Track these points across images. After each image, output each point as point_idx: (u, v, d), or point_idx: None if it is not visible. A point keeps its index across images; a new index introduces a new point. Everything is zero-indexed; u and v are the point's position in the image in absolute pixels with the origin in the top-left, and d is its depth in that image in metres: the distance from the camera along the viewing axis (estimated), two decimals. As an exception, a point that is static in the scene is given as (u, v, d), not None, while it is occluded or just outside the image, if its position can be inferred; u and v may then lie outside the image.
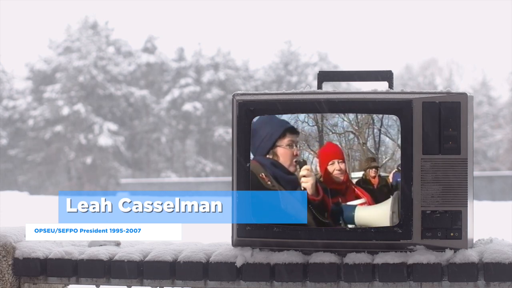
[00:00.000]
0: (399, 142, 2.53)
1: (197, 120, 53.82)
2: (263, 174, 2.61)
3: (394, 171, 2.55)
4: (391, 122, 2.54)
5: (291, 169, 2.60)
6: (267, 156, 2.62)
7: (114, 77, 53.60)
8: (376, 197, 2.55)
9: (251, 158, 2.61)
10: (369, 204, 2.56)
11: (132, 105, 53.74)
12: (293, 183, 2.60)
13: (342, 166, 2.59)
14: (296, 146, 2.60)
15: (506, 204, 23.90)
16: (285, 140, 2.61)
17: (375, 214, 2.52)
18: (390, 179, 2.56)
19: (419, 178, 2.49)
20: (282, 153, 2.61)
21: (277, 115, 2.60)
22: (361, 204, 2.55)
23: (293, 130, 2.60)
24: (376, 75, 2.68)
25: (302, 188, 2.60)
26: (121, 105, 53.54)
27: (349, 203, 2.57)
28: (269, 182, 2.61)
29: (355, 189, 2.57)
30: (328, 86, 2.91)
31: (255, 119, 2.61)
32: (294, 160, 2.60)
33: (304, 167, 2.60)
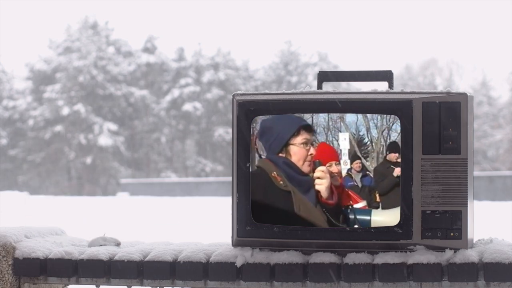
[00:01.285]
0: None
1: (197, 120, 53.85)
2: (275, 173, 2.53)
3: (344, 175, 2.54)
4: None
5: (305, 169, 2.52)
6: (280, 154, 2.55)
7: (114, 77, 53.62)
8: (367, 200, 2.54)
9: (263, 157, 2.56)
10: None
11: (132, 105, 53.77)
12: (306, 185, 2.52)
13: (339, 168, 2.54)
14: (312, 145, 2.53)
15: (506, 204, 23.92)
16: (299, 138, 2.53)
17: (390, 218, 2.51)
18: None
19: (419, 178, 2.49)
20: (296, 152, 2.53)
21: (290, 114, 2.54)
22: (363, 207, 2.54)
23: (308, 128, 2.53)
24: (376, 75, 2.68)
25: (316, 191, 2.52)
26: (121, 105, 53.56)
27: (355, 206, 2.54)
28: (281, 182, 2.53)
29: (348, 191, 2.55)
30: (328, 86, 2.91)
31: (268, 117, 2.56)
32: (308, 160, 2.53)
33: (319, 168, 2.51)
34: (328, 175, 2.51)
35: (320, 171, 2.52)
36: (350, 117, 2.53)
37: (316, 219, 2.53)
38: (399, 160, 2.50)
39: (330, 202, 2.52)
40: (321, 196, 2.52)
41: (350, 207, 2.53)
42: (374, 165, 2.53)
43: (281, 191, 2.55)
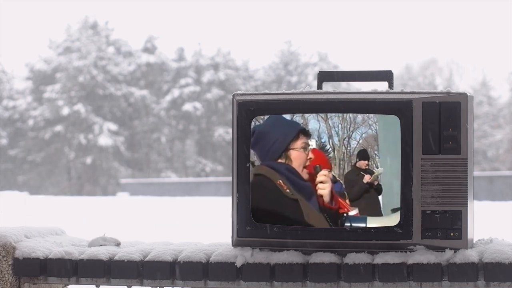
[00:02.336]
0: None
1: (197, 120, 53.86)
2: (280, 181, 2.49)
3: None
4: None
5: (304, 175, 2.50)
6: (279, 160, 2.51)
7: (114, 77, 53.63)
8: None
9: (258, 163, 2.52)
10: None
11: (132, 105, 53.78)
12: (308, 190, 2.49)
13: (331, 175, 2.52)
14: (308, 149, 2.50)
15: (506, 204, 23.94)
16: (299, 142, 2.49)
17: (386, 225, 2.51)
18: None
19: (419, 178, 2.49)
20: (296, 157, 2.49)
21: (285, 117, 2.52)
22: (356, 214, 2.53)
23: (305, 132, 2.50)
24: (376, 75, 2.68)
25: (319, 195, 2.49)
26: (121, 105, 53.58)
27: (349, 213, 2.53)
28: (287, 190, 2.49)
29: (338, 198, 2.53)
30: (328, 86, 2.90)
31: (261, 121, 2.53)
32: (307, 164, 2.50)
33: (322, 172, 2.48)
34: (330, 180, 2.50)
35: (323, 175, 2.49)
36: (312, 124, 2.53)
37: (322, 226, 2.51)
38: (368, 167, 2.52)
39: (332, 207, 2.50)
40: (323, 201, 2.50)
41: (345, 214, 2.52)
42: (337, 172, 2.53)
43: (289, 200, 2.51)
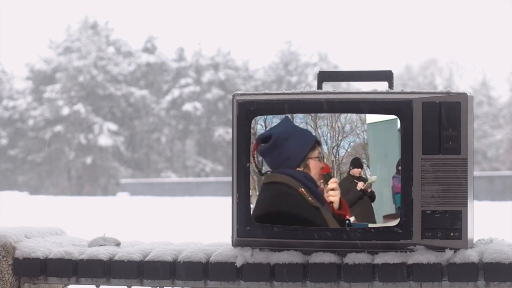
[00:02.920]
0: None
1: (197, 120, 53.85)
2: (303, 189, 2.53)
3: None
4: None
5: (318, 183, 2.54)
6: (298, 169, 2.54)
7: (114, 77, 53.63)
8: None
9: (268, 171, 2.54)
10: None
11: (132, 105, 53.78)
12: (321, 197, 2.53)
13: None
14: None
15: (506, 204, 23.94)
16: (316, 152, 2.53)
17: None
18: None
19: (419, 178, 2.49)
20: (314, 166, 2.53)
21: (301, 127, 2.54)
22: (354, 221, 2.55)
23: (319, 142, 2.54)
24: (376, 75, 2.68)
25: (329, 202, 2.53)
26: (121, 105, 53.57)
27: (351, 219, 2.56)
28: (310, 198, 2.53)
29: (345, 205, 2.56)
30: (328, 86, 2.90)
31: (277, 130, 2.55)
32: (320, 173, 2.53)
33: (332, 179, 2.53)
34: (339, 187, 2.53)
35: (333, 182, 2.53)
36: None
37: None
38: (362, 175, 2.54)
39: (342, 213, 2.54)
40: (333, 208, 2.53)
41: (347, 221, 2.54)
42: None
43: (312, 207, 2.54)
